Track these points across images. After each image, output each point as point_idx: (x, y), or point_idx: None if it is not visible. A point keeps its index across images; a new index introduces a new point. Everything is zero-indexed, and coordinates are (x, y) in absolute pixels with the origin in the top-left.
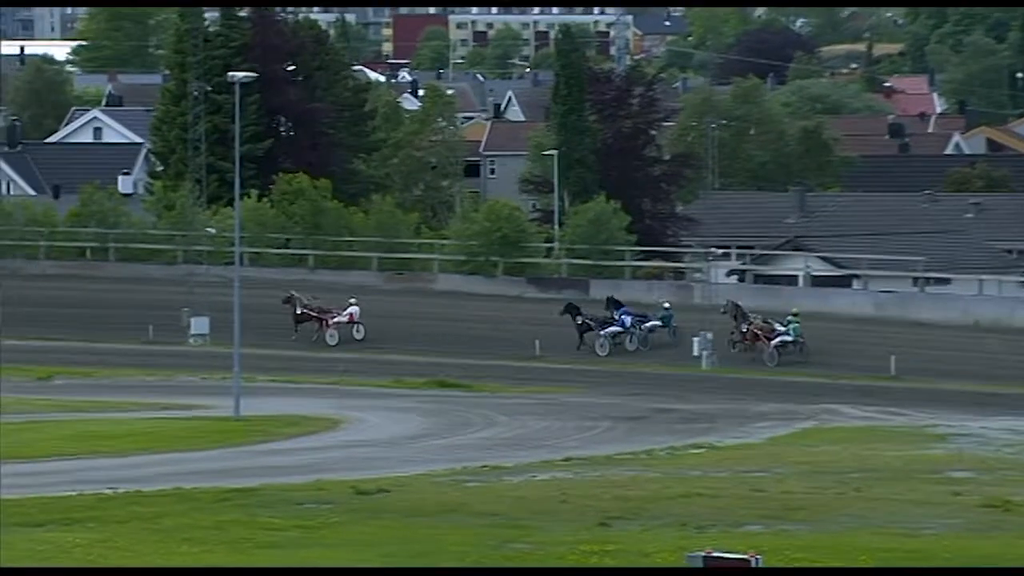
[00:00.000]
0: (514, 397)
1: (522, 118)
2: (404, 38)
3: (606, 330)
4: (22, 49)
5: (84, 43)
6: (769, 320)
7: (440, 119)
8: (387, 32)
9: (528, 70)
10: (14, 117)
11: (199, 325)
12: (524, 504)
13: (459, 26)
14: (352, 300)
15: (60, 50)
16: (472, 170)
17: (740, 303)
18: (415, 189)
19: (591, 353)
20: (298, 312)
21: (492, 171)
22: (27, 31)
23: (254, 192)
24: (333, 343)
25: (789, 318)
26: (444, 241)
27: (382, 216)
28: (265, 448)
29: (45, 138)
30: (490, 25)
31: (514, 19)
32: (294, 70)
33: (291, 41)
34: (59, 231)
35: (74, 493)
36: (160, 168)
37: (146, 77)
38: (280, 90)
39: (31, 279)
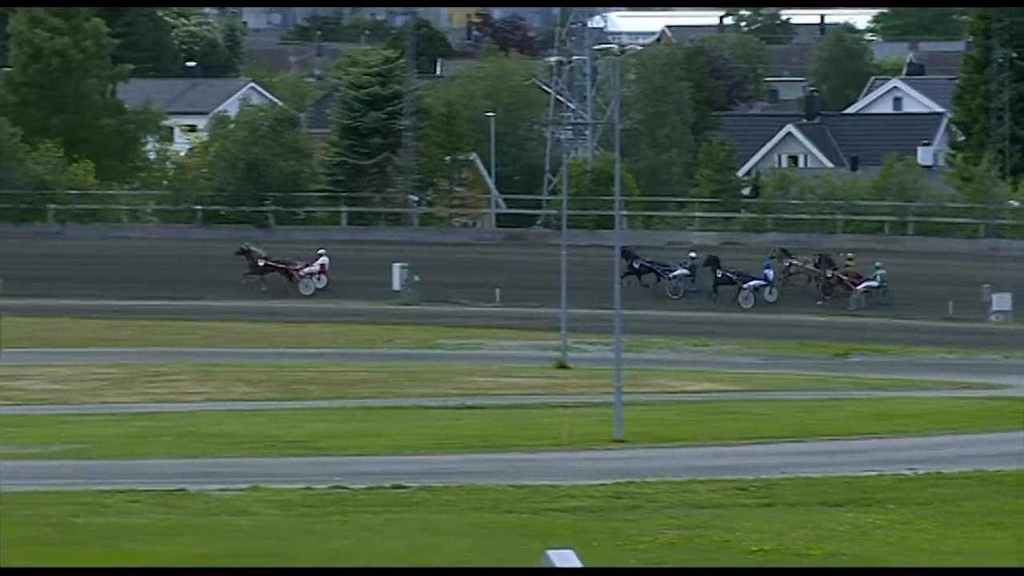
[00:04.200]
0: None
1: None
2: None
3: (749, 283)
4: (822, 18)
5: (885, 11)
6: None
7: None
8: None
9: None
10: (812, 88)
11: (1001, 302)
12: None
13: None
14: (321, 251)
15: (861, 18)
16: None
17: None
18: None
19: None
20: (260, 264)
21: None
22: None
23: None
24: (308, 293)
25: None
26: None
27: None
28: None
29: (843, 109)
30: None
31: None
32: None
33: None
34: (857, 204)
35: (874, 473)
36: (961, 138)
37: (949, 45)
38: None
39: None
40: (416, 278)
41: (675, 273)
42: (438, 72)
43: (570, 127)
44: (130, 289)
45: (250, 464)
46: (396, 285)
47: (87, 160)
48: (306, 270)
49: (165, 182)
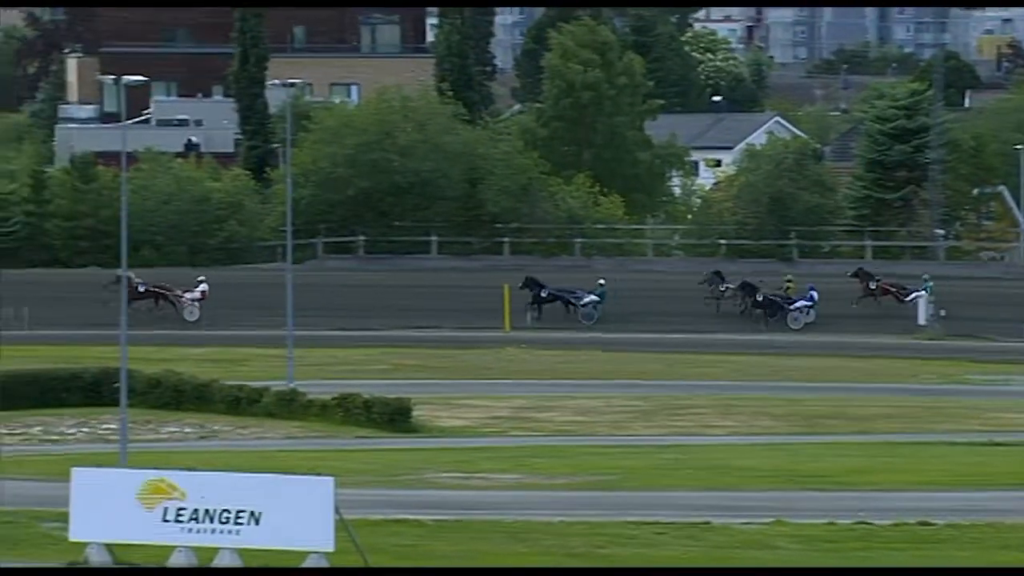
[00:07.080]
0: None
1: None
2: None
3: (796, 305)
4: None
5: None
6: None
7: None
8: None
9: None
10: None
11: None
12: None
13: None
14: (201, 278)
15: None
16: None
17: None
18: None
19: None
20: (140, 291)
21: None
22: None
23: None
24: (193, 319)
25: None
26: None
27: None
28: None
29: None
30: None
31: None
32: None
33: None
34: None
35: None
36: None
37: None
38: None
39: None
40: (943, 312)
41: (585, 300)
42: (966, 104)
43: None
44: (654, 322)
45: (772, 498)
46: (921, 319)
47: (616, 195)
48: (187, 296)
49: (689, 216)
